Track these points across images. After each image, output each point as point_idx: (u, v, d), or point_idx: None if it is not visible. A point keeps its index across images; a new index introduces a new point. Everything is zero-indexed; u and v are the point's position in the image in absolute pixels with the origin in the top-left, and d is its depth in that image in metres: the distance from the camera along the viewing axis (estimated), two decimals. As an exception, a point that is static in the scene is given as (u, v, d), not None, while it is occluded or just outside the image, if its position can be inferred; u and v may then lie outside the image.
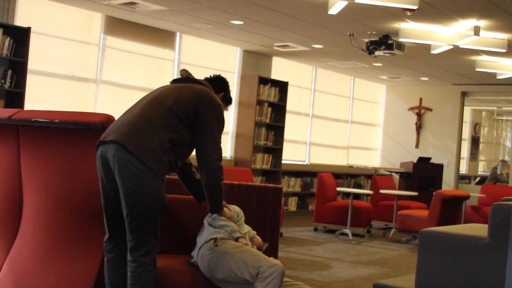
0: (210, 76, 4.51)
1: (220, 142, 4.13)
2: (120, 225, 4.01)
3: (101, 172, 3.99)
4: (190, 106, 4.04)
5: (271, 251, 6.21)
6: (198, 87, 4.18)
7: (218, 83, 4.46)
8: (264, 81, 12.50)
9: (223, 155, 12.29)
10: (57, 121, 4.17)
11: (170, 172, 4.13)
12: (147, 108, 4.02)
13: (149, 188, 3.84)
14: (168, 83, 4.34)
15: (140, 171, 3.81)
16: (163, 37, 11.07)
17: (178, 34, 11.36)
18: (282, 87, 12.84)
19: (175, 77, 10.97)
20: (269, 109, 12.64)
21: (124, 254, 4.04)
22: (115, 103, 10.22)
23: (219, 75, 4.54)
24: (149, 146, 3.85)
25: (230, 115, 12.42)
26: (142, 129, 3.90)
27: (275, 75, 13.29)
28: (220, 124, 4.14)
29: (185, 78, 4.31)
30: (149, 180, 3.84)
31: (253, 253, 4.12)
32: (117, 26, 10.28)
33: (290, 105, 13.33)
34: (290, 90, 13.21)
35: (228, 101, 4.52)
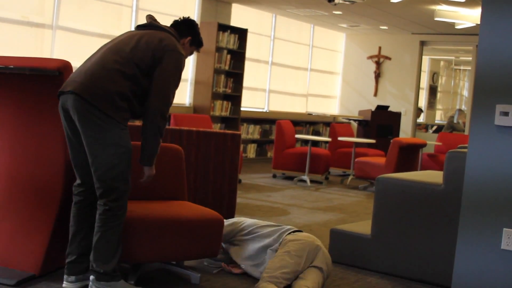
0: (179, 19, 4.39)
1: (172, 91, 4.03)
2: (90, 172, 4.02)
3: (64, 122, 3.98)
4: (148, 53, 3.99)
5: (230, 198, 6.26)
6: (159, 34, 4.11)
7: (185, 26, 4.34)
8: (223, 28, 12.39)
9: (182, 101, 12.16)
10: (12, 66, 4.10)
11: (133, 119, 4.10)
12: (104, 57, 3.98)
13: (111, 135, 3.84)
14: (131, 29, 4.26)
15: (100, 119, 3.81)
16: (121, -18, 10.88)
17: (136, -21, 11.17)
18: (241, 34, 12.75)
19: (133, 23, 10.90)
20: (228, 56, 12.58)
21: (92, 198, 4.08)
22: (72, 50, 10.05)
23: (188, 17, 4.41)
24: (106, 94, 3.83)
25: (189, 62, 12.32)
26: (99, 77, 3.86)
27: (235, 22, 13.19)
28: (176, 72, 4.05)
29: (149, 24, 4.24)
30: (110, 127, 3.84)
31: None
32: (73, -30, 10.07)
33: (249, 52, 13.26)
34: (250, 38, 13.13)
35: (197, 44, 4.40)
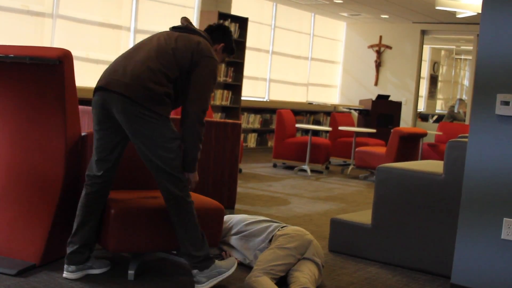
0: (213, 24, 4.44)
1: (209, 96, 4.07)
2: (113, 166, 4.10)
3: (100, 118, 4.01)
4: (187, 55, 4.01)
5: (230, 188, 6.26)
6: (196, 38, 4.13)
7: (218, 33, 4.37)
8: (224, 16, 12.36)
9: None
10: (12, 55, 4.09)
11: None
12: (149, 57, 3.99)
13: (165, 131, 3.92)
14: (168, 29, 4.27)
15: (153, 118, 3.87)
16: (121, -29, 10.85)
17: (136, -33, 11.13)
18: (242, 23, 12.71)
19: (133, 12, 10.88)
20: (229, 45, 12.53)
21: (104, 191, 4.12)
22: (73, 39, 10.04)
23: (222, 23, 4.44)
24: (156, 95, 3.87)
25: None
26: (146, 79, 3.88)
27: (235, 11, 13.15)
28: (212, 78, 4.08)
29: (184, 27, 4.25)
30: (163, 124, 3.91)
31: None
32: (73, -42, 10.03)
33: (250, 41, 13.24)
34: (250, 27, 13.10)
35: (229, 51, 4.44)
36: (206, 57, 4.04)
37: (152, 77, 3.89)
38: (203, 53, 4.03)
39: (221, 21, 4.43)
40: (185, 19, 4.30)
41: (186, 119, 3.99)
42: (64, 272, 4.10)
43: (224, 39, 4.36)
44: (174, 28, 4.26)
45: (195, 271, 4.06)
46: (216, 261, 4.14)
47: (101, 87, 3.97)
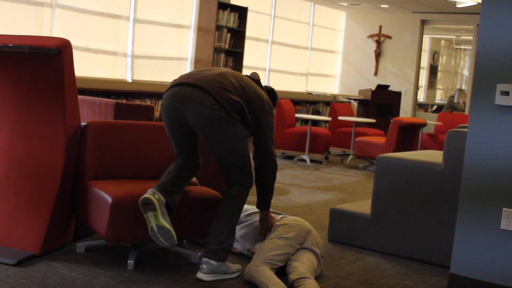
0: (266, 86, 4.64)
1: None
2: (194, 155, 4.31)
3: (173, 119, 4.15)
4: (259, 102, 4.28)
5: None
6: (264, 93, 4.43)
7: (270, 96, 4.58)
8: (223, 6, 12.33)
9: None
10: (11, 45, 4.08)
11: None
12: (227, 72, 4.23)
13: (239, 131, 4.15)
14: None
15: (229, 120, 4.07)
16: (120, -40, 10.81)
17: (135, -43, 11.09)
18: (241, 12, 12.69)
19: (132, 2, 10.86)
20: (228, 35, 12.52)
21: (194, 168, 4.35)
22: (72, 28, 10.01)
23: (274, 90, 4.68)
24: (230, 98, 4.06)
25: (189, 41, 12.27)
26: (223, 84, 4.09)
27: (235, 0, 13.12)
28: (274, 129, 4.45)
29: (257, 80, 4.47)
30: (235, 125, 4.12)
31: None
32: None
33: (249, 31, 13.21)
34: (250, 16, 13.07)
35: None
36: (271, 113, 4.37)
37: (228, 85, 4.11)
38: (271, 109, 4.39)
39: (273, 87, 4.65)
40: (258, 75, 4.58)
41: (269, 167, 4.38)
42: (148, 193, 4.04)
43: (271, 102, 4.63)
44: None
45: (205, 260, 4.11)
46: (227, 261, 4.20)
47: (178, 84, 4.14)
